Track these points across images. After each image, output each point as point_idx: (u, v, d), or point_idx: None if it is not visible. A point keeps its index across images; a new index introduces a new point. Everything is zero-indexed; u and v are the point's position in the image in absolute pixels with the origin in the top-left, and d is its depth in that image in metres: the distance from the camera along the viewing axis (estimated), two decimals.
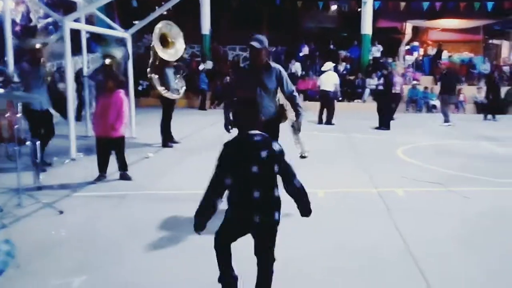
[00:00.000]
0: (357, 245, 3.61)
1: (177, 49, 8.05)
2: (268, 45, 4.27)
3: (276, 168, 2.42)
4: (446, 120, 12.01)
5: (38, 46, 6.07)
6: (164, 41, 7.90)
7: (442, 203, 4.86)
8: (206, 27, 17.43)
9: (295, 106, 4.45)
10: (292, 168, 2.48)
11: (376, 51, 18.33)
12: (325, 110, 11.97)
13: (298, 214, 2.56)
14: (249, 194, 2.37)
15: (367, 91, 16.38)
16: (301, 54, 18.59)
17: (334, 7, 21.37)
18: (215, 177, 2.40)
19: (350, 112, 14.31)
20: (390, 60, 17.52)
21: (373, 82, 16.19)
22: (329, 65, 12.16)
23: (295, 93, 4.51)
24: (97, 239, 3.67)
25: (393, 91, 11.31)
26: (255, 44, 4.19)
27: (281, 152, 2.46)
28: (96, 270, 3.13)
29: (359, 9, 18.06)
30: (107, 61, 6.06)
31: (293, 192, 2.48)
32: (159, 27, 7.84)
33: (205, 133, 9.85)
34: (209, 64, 16.99)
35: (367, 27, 17.13)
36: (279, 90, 4.45)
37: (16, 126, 4.35)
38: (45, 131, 6.19)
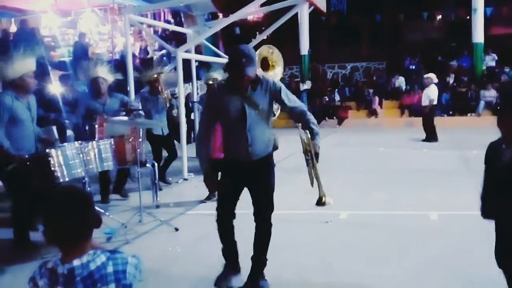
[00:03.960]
0: (478, 275, 3.30)
1: (275, 73, 8.26)
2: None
3: None
4: None
5: (154, 76, 6.70)
6: (265, 65, 8.16)
7: None
8: (305, 47, 17.63)
9: (307, 123, 3.20)
10: None
11: (491, 60, 16.89)
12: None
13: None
14: None
15: (482, 103, 15.11)
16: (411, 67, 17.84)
17: (440, 17, 20.26)
18: None
19: (463, 127, 13.28)
20: (507, 69, 16.02)
21: (488, 94, 14.94)
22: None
23: (304, 107, 3.37)
24: (210, 256, 3.86)
25: None
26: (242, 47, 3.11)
27: None
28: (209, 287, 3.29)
29: (468, 17, 16.89)
30: (210, 83, 6.48)
31: None
32: (259, 51, 8.13)
33: None
34: (308, 84, 17.13)
35: (478, 35, 15.88)
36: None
37: (138, 150, 4.81)
38: (168, 153, 6.81)
